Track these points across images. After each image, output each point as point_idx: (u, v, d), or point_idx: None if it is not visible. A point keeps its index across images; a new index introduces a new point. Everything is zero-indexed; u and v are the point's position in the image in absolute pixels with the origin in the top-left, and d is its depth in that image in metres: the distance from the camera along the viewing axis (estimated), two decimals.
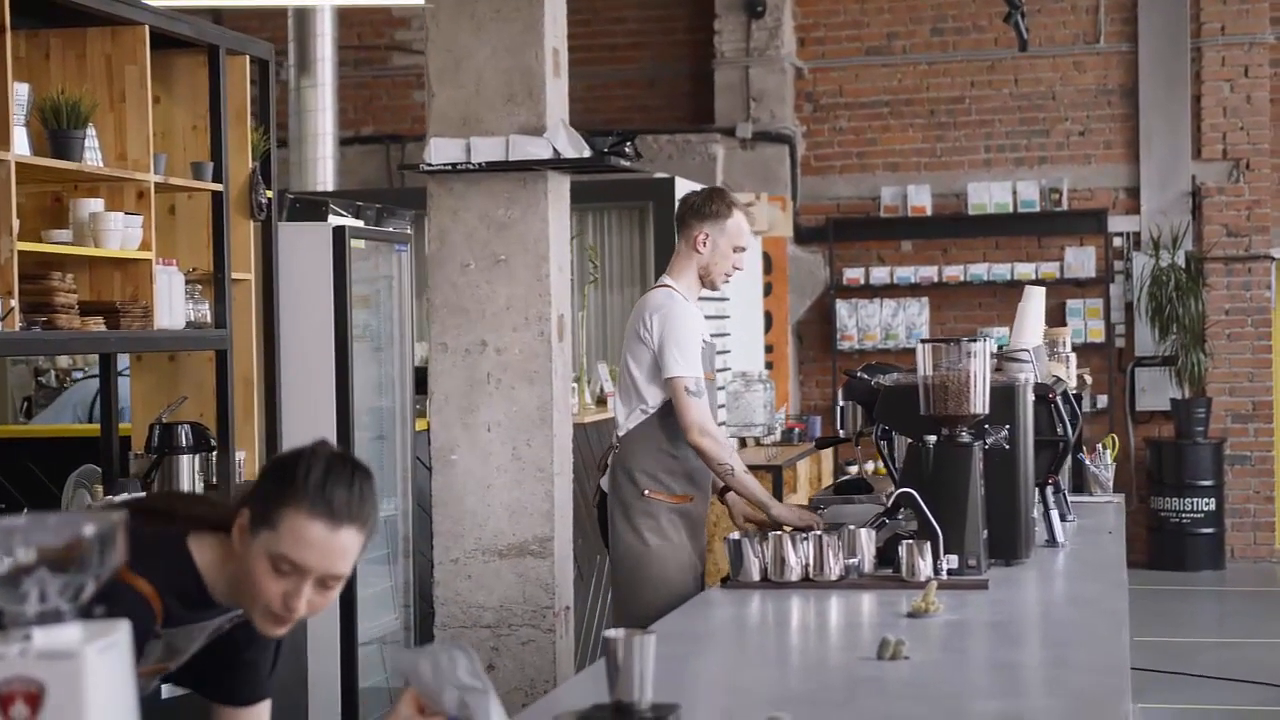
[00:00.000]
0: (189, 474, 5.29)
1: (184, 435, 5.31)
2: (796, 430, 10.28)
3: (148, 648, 2.62)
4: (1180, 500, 11.83)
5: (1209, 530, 11.86)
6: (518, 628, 5.42)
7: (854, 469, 9.63)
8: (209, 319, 5.46)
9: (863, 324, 12.50)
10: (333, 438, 6.11)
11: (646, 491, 5.04)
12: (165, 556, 2.62)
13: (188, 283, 5.38)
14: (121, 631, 1.76)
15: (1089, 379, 10.09)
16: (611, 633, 2.71)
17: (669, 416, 5.04)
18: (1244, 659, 8.98)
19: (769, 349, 11.91)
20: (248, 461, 5.74)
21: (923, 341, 4.33)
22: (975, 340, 4.29)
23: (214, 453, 5.47)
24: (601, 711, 2.73)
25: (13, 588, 1.72)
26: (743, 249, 5.15)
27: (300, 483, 2.53)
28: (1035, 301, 5.52)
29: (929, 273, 12.40)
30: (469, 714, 2.30)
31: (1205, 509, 11.83)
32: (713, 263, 5.11)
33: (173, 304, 5.17)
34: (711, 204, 5.14)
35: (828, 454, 10.61)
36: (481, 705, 2.31)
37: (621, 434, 5.14)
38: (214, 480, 5.50)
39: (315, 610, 2.60)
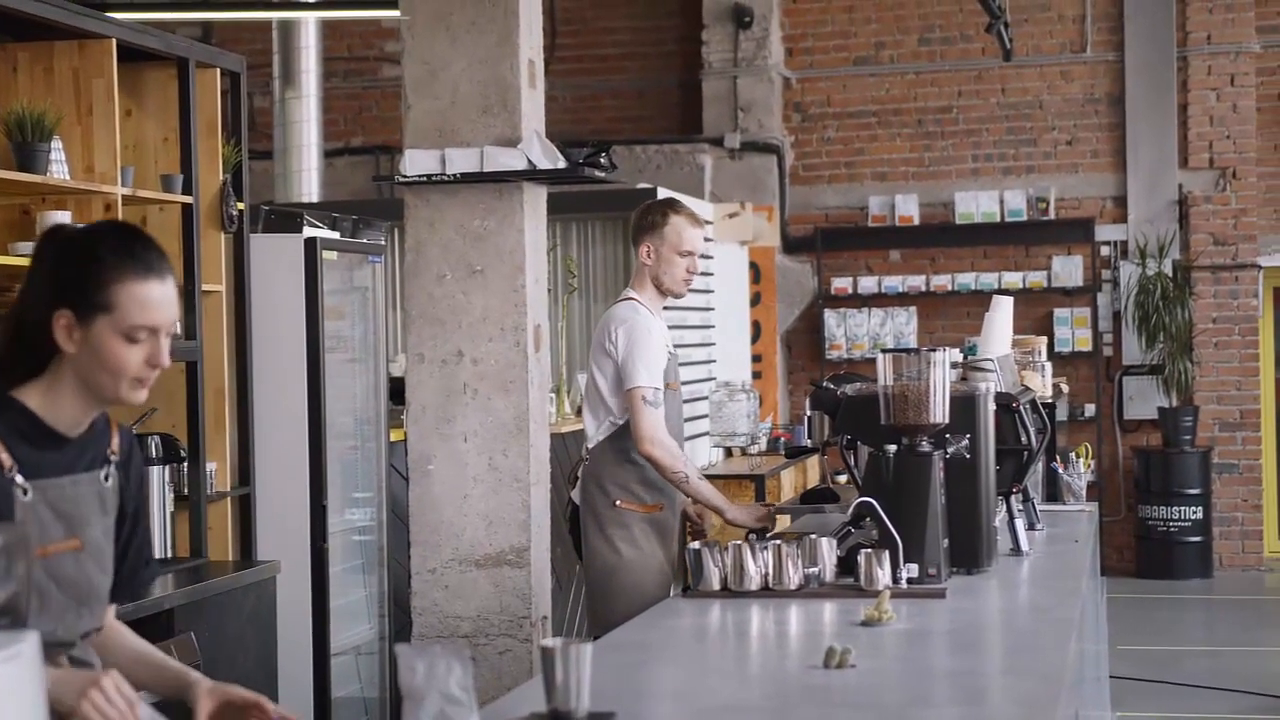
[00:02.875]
0: (159, 485, 5.30)
1: (154, 446, 5.32)
2: (783, 440, 10.28)
3: (21, 506, 2.60)
4: (1168, 509, 11.84)
5: (1196, 539, 11.87)
6: (495, 637, 5.42)
7: (843, 479, 9.63)
8: (179, 331, 5.48)
9: (851, 333, 12.52)
10: (305, 448, 6.14)
11: (618, 502, 5.10)
12: None
13: None
14: (28, 642, 1.78)
15: (1065, 388, 10.10)
16: (547, 642, 2.73)
17: None
18: (1230, 667, 8.98)
19: (757, 359, 11.94)
20: (219, 473, 5.76)
21: (883, 351, 4.34)
22: (935, 350, 4.30)
23: (184, 464, 5.49)
24: None
25: None
26: (689, 253, 5.20)
27: (113, 259, 2.62)
28: (1002, 311, 5.54)
29: (917, 282, 12.41)
30: None
31: (1193, 517, 11.83)
32: (662, 272, 5.19)
33: None
34: (648, 215, 5.24)
35: (814, 463, 10.62)
36: None
37: (591, 445, 5.20)
38: (185, 491, 5.51)
39: (166, 364, 2.69)
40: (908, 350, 4.33)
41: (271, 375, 6.05)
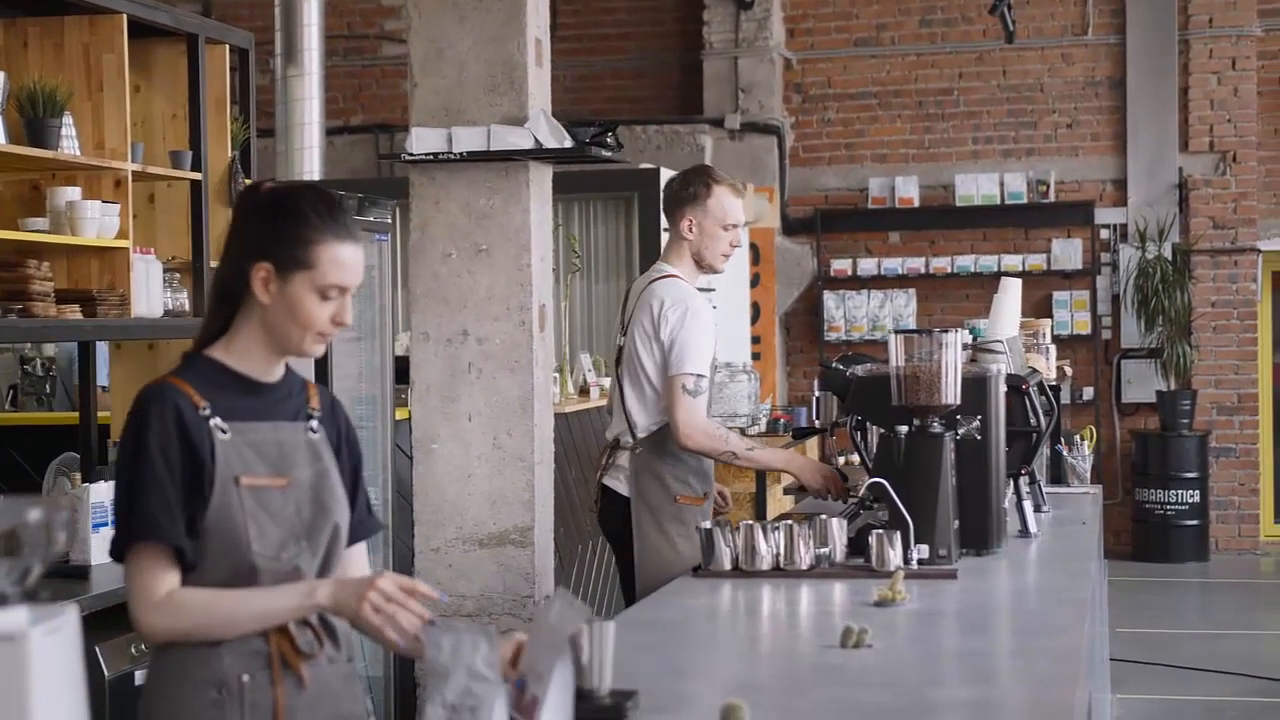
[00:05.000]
0: None
1: None
2: (782, 421, 10.30)
3: (216, 437, 2.70)
4: (1165, 492, 11.86)
5: (1193, 522, 11.90)
6: (498, 616, 5.43)
7: (842, 460, 9.64)
8: (187, 307, 5.47)
9: (850, 315, 12.53)
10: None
11: (678, 497, 4.97)
12: (184, 367, 2.79)
13: (166, 271, 5.40)
14: (69, 616, 1.78)
15: (1069, 371, 10.10)
16: None
17: None
18: (1226, 650, 9.01)
19: (756, 340, 11.94)
20: None
21: (895, 332, 4.34)
22: (947, 331, 4.30)
23: None
24: None
25: None
26: (733, 226, 5.05)
27: (317, 220, 2.74)
28: (1011, 293, 5.54)
29: (916, 264, 12.42)
30: (473, 703, 2.31)
31: (1190, 501, 11.86)
32: (703, 246, 5.04)
33: (150, 292, 5.19)
34: (689, 186, 5.05)
35: (813, 445, 10.64)
36: (487, 697, 2.32)
37: (642, 435, 5.01)
38: None
39: (349, 323, 2.82)
40: (920, 331, 4.32)
41: None
